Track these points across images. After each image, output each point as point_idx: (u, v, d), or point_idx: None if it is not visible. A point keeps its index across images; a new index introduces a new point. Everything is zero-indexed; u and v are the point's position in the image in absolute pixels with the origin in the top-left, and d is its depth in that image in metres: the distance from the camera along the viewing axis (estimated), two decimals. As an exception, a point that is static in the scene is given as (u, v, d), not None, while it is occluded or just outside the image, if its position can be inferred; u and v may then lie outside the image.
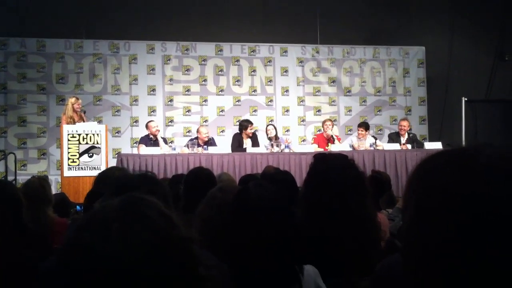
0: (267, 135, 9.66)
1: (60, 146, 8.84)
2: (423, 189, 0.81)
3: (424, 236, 0.78)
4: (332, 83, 11.78)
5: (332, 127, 9.96)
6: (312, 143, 10.12)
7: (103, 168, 7.91)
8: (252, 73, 11.51)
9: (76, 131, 8.50)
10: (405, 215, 0.85)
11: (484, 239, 0.73)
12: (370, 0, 11.86)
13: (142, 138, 9.49)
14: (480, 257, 0.73)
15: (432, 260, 0.77)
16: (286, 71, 11.64)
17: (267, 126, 9.93)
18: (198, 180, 3.43)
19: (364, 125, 9.94)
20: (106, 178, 2.93)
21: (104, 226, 0.86)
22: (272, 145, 9.19)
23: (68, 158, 8.42)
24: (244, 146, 9.39)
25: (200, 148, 9.02)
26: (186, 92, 11.21)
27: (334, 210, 2.20)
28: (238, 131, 9.70)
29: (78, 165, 8.41)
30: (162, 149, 9.09)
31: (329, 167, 2.35)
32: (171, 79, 11.15)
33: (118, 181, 2.18)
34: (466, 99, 11.49)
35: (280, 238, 1.79)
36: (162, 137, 9.58)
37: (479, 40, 12.34)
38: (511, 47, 12.43)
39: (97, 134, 8.54)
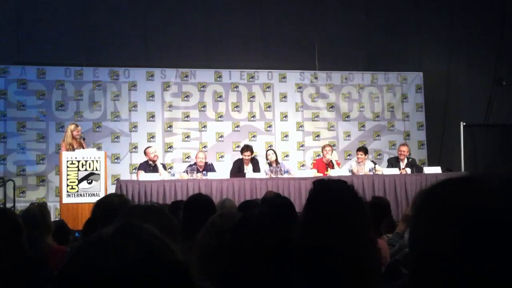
0: (267, 159, 9.67)
1: (59, 172, 8.83)
2: (432, 213, 0.83)
3: (432, 257, 0.80)
4: (330, 109, 11.83)
5: (332, 152, 9.96)
6: (311, 168, 10.12)
7: (102, 194, 7.89)
8: (251, 99, 11.57)
9: (75, 157, 8.51)
10: (413, 239, 0.86)
11: (484, 255, 0.74)
12: (368, 27, 11.98)
13: (141, 164, 9.49)
14: (478, 270, 0.74)
15: (438, 278, 0.78)
16: (285, 97, 11.70)
17: (267, 151, 9.95)
18: (198, 207, 3.43)
19: (363, 149, 9.95)
20: (105, 205, 2.93)
21: (101, 248, 0.87)
22: (271, 171, 9.19)
23: (67, 185, 8.42)
24: (244, 172, 9.38)
25: (199, 174, 9.01)
26: (185, 118, 11.25)
27: (333, 235, 2.20)
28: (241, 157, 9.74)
29: (77, 191, 8.40)
30: (161, 175, 9.09)
31: (329, 192, 2.36)
32: (170, 106, 11.20)
33: (124, 212, 2.19)
34: (464, 123, 11.53)
35: (280, 264, 1.78)
36: (161, 163, 9.58)
37: (477, 66, 12.44)
38: (509, 72, 12.52)
39: (96, 161, 8.54)
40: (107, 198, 3.08)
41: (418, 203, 0.88)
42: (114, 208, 2.79)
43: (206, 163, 9.50)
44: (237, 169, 9.44)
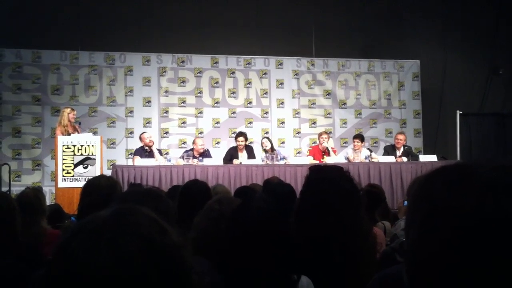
0: (263, 148, 9.69)
1: (54, 157, 8.81)
2: (427, 206, 0.82)
3: (428, 251, 0.79)
4: (327, 96, 11.82)
5: (328, 139, 9.96)
6: (307, 155, 10.13)
7: (97, 179, 7.85)
8: (248, 85, 11.53)
9: (71, 142, 8.48)
10: (409, 230, 0.86)
11: (483, 255, 0.74)
12: (365, 14, 11.93)
13: (136, 149, 9.48)
14: (478, 270, 0.74)
15: (435, 273, 0.78)
16: (282, 83, 11.67)
17: (262, 139, 9.95)
18: (194, 194, 3.42)
19: (360, 137, 9.95)
20: (93, 187, 2.91)
21: (94, 236, 0.85)
22: (267, 158, 9.19)
23: (63, 169, 8.40)
24: (238, 159, 9.37)
25: (195, 160, 9.01)
26: (182, 104, 11.22)
27: (327, 221, 2.20)
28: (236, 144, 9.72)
29: (73, 176, 8.39)
30: (157, 160, 9.08)
31: (324, 178, 2.36)
32: (166, 91, 11.16)
33: (121, 196, 2.18)
34: (460, 112, 11.53)
35: (278, 250, 1.79)
36: (157, 149, 9.57)
37: (473, 54, 12.44)
38: (505, 61, 12.52)
39: (92, 145, 8.52)
40: (95, 181, 3.04)
41: (413, 194, 0.87)
42: (103, 190, 2.78)
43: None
44: (229, 157, 9.44)
